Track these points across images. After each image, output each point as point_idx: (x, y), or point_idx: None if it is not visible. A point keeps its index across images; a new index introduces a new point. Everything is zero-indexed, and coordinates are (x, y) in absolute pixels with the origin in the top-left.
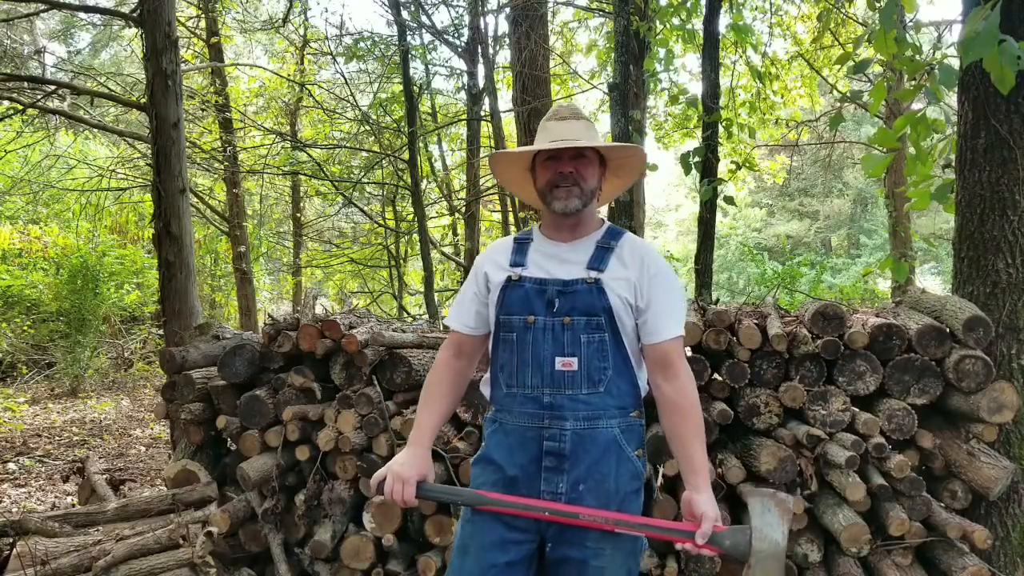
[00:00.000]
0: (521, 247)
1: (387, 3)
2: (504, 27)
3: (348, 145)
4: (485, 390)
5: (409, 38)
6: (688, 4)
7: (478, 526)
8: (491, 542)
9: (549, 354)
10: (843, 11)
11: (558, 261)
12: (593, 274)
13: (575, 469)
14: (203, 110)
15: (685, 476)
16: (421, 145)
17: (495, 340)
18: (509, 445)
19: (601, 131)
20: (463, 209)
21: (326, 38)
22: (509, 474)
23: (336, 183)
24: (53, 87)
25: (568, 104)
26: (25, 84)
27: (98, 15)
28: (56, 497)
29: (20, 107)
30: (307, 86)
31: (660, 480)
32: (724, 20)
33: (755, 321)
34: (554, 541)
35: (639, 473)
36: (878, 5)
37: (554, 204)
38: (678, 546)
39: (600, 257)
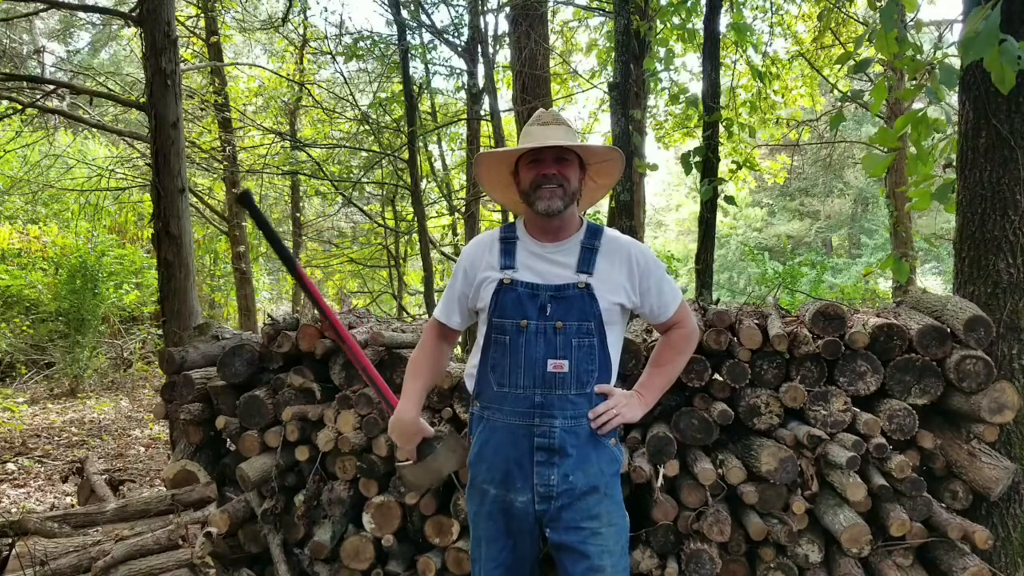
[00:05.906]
0: (508, 247)
1: (387, 2)
2: (504, 26)
3: (348, 145)
4: (469, 383)
5: (409, 37)
6: (688, 3)
7: (483, 519)
8: (499, 531)
9: (541, 356)
10: (843, 11)
11: (547, 263)
12: (583, 278)
13: (565, 462)
14: (202, 110)
15: (637, 386)
16: (421, 145)
17: (487, 339)
18: (499, 442)
19: (601, 131)
20: (463, 209)
21: (326, 37)
22: (503, 469)
23: (336, 183)
24: (52, 87)
25: (550, 110)
26: (24, 84)
27: (97, 15)
28: (55, 497)
29: (19, 107)
30: (307, 86)
31: (660, 481)
32: (724, 19)
33: (756, 321)
34: (550, 526)
35: (616, 458)
36: (879, 4)
37: (538, 204)
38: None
39: (587, 259)
